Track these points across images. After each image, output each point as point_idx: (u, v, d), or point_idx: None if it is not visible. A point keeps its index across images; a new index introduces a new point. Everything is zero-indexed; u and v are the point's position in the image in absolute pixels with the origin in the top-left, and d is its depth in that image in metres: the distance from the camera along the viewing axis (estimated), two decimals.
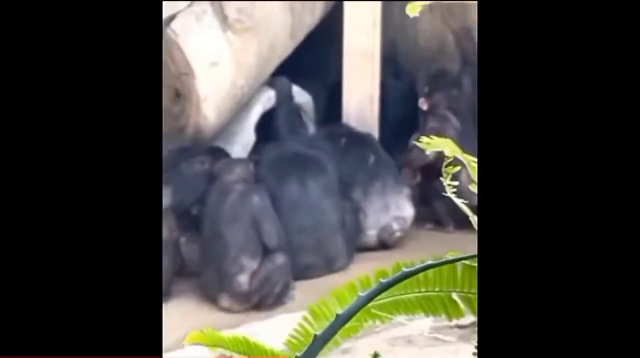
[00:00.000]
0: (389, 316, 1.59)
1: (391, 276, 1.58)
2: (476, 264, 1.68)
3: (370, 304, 1.50)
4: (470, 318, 1.74)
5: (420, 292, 1.64)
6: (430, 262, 1.61)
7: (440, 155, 1.69)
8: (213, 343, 1.72)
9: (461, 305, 1.70)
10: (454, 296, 1.69)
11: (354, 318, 1.47)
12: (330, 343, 1.51)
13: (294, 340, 1.71)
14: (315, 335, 1.50)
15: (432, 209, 5.68)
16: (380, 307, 1.61)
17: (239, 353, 1.70)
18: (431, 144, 1.67)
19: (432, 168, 5.38)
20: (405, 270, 1.55)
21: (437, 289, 1.68)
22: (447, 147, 1.67)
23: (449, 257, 1.67)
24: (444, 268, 1.68)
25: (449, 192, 1.70)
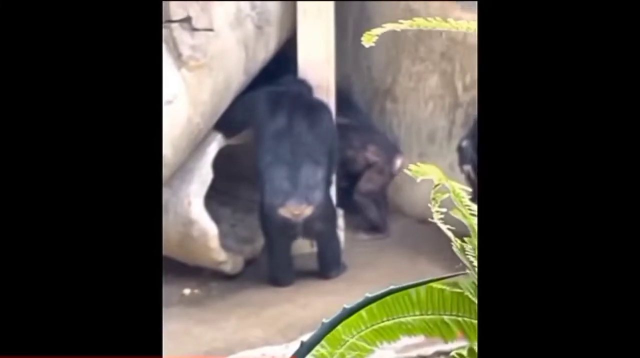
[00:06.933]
0: (395, 338, 1.60)
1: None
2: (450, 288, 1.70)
3: (375, 326, 1.52)
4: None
5: (415, 314, 1.65)
6: (392, 287, 1.63)
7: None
8: None
9: (453, 327, 1.71)
10: (446, 319, 1.71)
11: (363, 340, 1.48)
12: None
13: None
14: (302, 342, 1.54)
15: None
16: (384, 328, 1.61)
17: None
18: (419, 171, 1.69)
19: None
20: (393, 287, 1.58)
21: (429, 312, 1.69)
22: (435, 174, 1.68)
23: None
24: (434, 291, 1.69)
25: (436, 219, 1.70)
